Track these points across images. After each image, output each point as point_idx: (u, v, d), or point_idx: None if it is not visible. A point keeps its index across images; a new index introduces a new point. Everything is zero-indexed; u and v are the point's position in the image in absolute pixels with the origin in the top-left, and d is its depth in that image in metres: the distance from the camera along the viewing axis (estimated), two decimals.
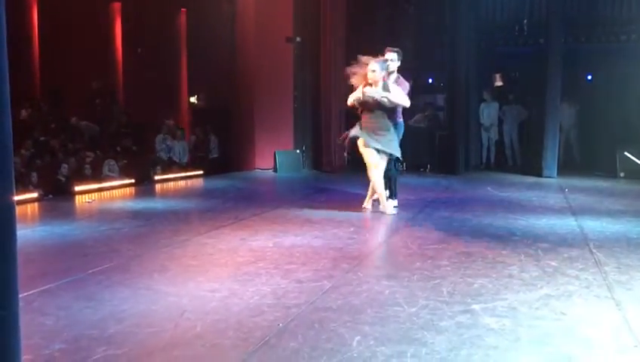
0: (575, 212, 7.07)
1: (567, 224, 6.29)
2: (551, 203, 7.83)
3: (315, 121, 12.23)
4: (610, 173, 10.70)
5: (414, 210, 7.19)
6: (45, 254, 4.97)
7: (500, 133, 12.68)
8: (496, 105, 12.63)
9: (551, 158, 10.78)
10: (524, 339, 3.05)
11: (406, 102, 6.75)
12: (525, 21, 12.73)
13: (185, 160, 12.74)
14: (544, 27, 11.60)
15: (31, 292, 3.78)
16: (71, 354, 2.88)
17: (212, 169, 12.00)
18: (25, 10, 13.92)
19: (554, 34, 10.81)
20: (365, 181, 7.11)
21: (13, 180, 1.70)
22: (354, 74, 6.67)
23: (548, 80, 10.73)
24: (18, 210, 7.00)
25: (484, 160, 12.68)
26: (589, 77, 13.19)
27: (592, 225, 6.24)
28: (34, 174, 9.26)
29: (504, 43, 13.25)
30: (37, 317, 3.35)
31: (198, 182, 10.65)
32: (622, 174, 10.62)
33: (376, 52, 6.86)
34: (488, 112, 12.59)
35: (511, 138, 12.63)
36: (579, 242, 5.39)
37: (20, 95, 11.64)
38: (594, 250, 5.04)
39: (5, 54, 1.69)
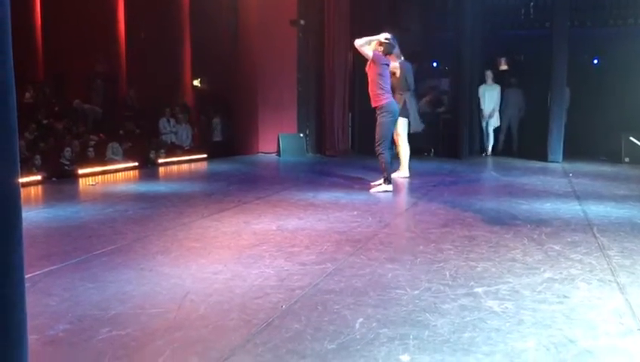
0: (579, 196, 7.06)
1: (571, 208, 6.28)
2: (555, 187, 7.81)
3: (319, 104, 12.21)
4: (615, 158, 10.67)
5: (418, 194, 7.19)
6: (50, 236, 4.99)
7: (500, 117, 12.03)
8: (498, 88, 11.86)
9: (556, 143, 10.75)
10: (526, 322, 3.06)
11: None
12: (532, 4, 12.62)
13: (189, 143, 12.74)
14: (550, 10, 11.51)
15: (36, 273, 3.80)
16: (75, 334, 2.89)
17: (215, 152, 11.99)
18: None
19: (560, 17, 10.73)
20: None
21: (19, 162, 1.71)
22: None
23: (554, 64, 10.67)
24: (22, 192, 7.01)
25: (484, 147, 11.97)
26: (595, 61, 13.09)
27: (596, 209, 6.22)
28: (37, 157, 9.26)
29: (510, 26, 13.14)
30: (42, 297, 3.37)
31: (202, 166, 10.66)
32: (627, 159, 10.59)
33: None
34: (490, 96, 11.80)
35: (510, 123, 12.10)
36: (582, 226, 5.38)
37: (23, 78, 11.61)
38: (597, 234, 5.03)
39: (9, 36, 1.68)
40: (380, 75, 7.06)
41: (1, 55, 1.60)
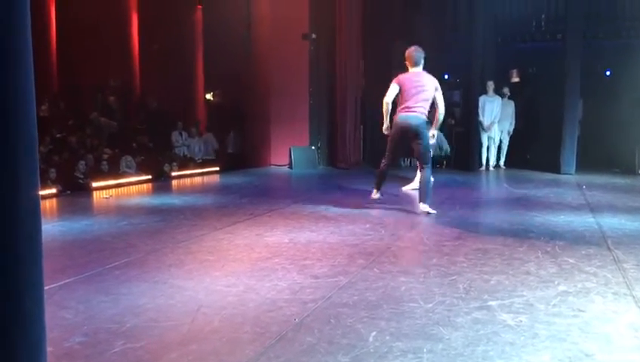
0: (593, 209, 7.01)
1: (584, 221, 6.23)
2: (568, 200, 7.76)
3: (331, 117, 12.24)
4: (629, 170, 10.59)
5: (431, 207, 7.16)
6: (64, 249, 5.03)
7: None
8: (498, 100, 11.47)
9: (569, 155, 10.69)
10: (541, 336, 3.04)
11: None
12: (543, 16, 12.60)
13: (201, 156, 12.83)
14: (562, 22, 11.50)
15: (51, 286, 3.82)
16: (90, 347, 2.91)
17: (228, 165, 12.05)
18: (43, 7, 14.04)
19: (572, 29, 10.71)
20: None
21: (39, 175, 1.73)
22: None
23: (566, 75, 10.65)
24: None
25: (484, 162, 11.57)
26: (608, 72, 13.04)
27: (611, 222, 6.18)
28: (52, 170, 9.35)
29: (521, 39, 13.13)
30: (57, 310, 3.39)
31: (214, 179, 10.71)
32: None
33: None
34: (490, 108, 11.38)
35: (501, 136, 11.66)
36: (597, 239, 5.34)
37: (38, 92, 11.76)
38: (612, 247, 5.00)
39: (30, 51, 1.72)
40: None
41: (24, 71, 1.63)
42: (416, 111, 6.57)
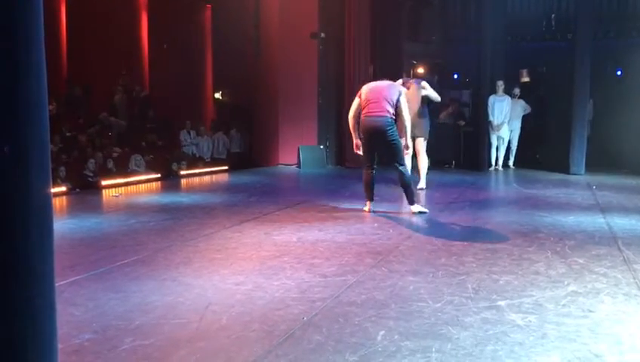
0: (603, 209, 6.97)
1: (595, 221, 6.20)
2: (578, 200, 7.72)
3: (339, 116, 12.22)
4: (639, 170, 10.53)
5: (439, 206, 7.15)
6: (74, 247, 5.05)
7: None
8: (508, 99, 11.32)
9: (578, 155, 10.64)
10: (550, 336, 3.02)
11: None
12: (553, 16, 12.54)
13: (210, 155, 12.86)
14: (572, 22, 11.44)
15: (61, 283, 3.83)
16: (100, 344, 2.93)
17: (236, 164, 12.08)
18: (53, 6, 14.11)
19: (582, 28, 10.65)
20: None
21: (51, 173, 1.74)
22: None
23: (576, 75, 10.59)
24: None
25: (493, 162, 11.51)
26: (619, 72, 12.96)
27: (621, 222, 6.14)
28: (62, 169, 9.40)
29: (531, 38, 13.08)
30: (67, 307, 3.41)
31: (223, 177, 10.73)
32: None
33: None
34: (500, 108, 11.25)
35: (510, 135, 11.55)
36: (607, 239, 5.31)
37: (48, 91, 11.81)
38: (623, 248, 4.96)
39: (43, 51, 1.72)
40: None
41: (36, 78, 1.64)
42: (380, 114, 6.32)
